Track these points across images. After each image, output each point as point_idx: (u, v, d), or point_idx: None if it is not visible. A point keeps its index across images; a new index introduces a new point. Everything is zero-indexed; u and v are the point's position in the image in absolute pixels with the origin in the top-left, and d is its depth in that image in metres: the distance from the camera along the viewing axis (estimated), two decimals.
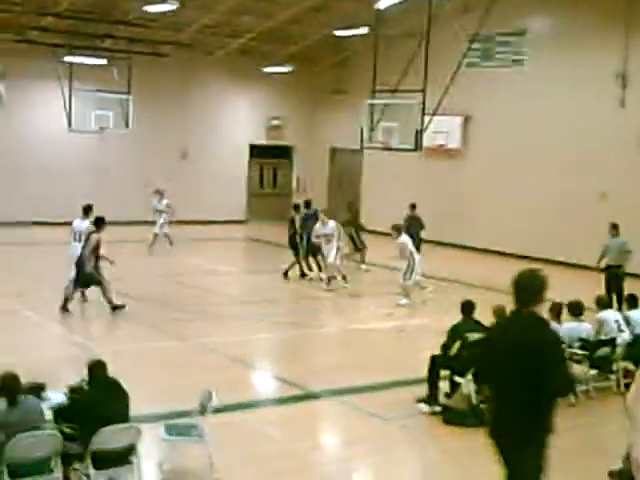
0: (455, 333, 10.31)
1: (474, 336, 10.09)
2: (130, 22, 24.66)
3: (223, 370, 11.72)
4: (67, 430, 6.98)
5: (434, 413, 10.04)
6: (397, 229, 16.46)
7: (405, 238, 16.33)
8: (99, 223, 14.57)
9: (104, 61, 25.38)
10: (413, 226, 19.70)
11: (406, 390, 10.78)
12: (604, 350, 10.99)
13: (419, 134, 16.56)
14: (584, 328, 11.09)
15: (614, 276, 15.96)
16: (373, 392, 10.98)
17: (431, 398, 10.19)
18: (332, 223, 18.02)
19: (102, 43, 25.45)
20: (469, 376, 9.98)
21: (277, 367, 12.61)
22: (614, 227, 16.69)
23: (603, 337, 11.16)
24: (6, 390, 6.83)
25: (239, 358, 12.50)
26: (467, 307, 10.53)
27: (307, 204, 19.65)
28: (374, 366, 12.26)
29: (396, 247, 16.35)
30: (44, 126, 26.11)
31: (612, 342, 11.05)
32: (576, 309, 11.09)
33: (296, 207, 19.62)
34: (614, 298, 15.03)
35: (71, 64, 24.86)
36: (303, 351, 13.68)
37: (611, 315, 11.48)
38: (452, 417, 9.86)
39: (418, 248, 18.02)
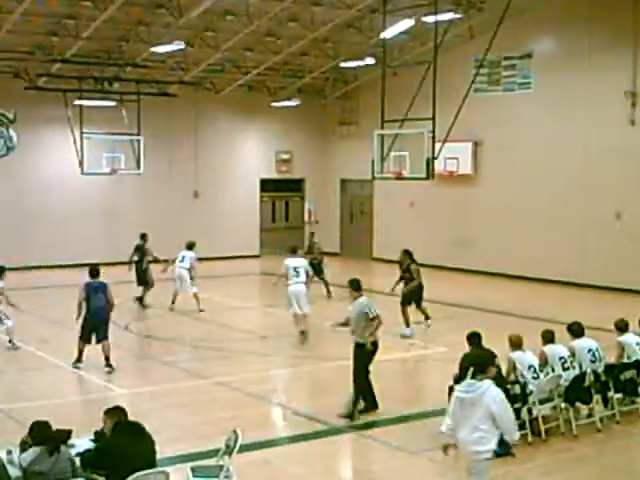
0: (466, 361, 10.21)
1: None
2: (138, 64, 24.91)
3: (245, 407, 11.67)
4: (96, 478, 6.95)
5: None
6: None
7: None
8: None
9: (113, 103, 25.63)
10: None
11: (431, 421, 10.68)
12: (628, 373, 10.87)
13: (430, 162, 16.50)
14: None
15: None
16: (397, 424, 10.89)
17: None
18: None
19: (111, 86, 25.68)
20: None
21: (299, 402, 12.50)
22: (354, 285, 11.33)
23: (626, 360, 11.05)
24: (39, 438, 6.83)
25: (261, 395, 12.46)
26: (474, 338, 10.44)
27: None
28: (397, 397, 12.18)
29: None
30: (56, 170, 26.29)
31: (636, 365, 10.93)
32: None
33: (143, 236, 19.97)
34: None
35: (81, 108, 25.16)
36: (325, 385, 13.60)
37: (632, 338, 11.36)
38: None
39: None
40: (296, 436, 10.72)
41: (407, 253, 17.18)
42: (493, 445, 7.33)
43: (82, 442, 7.60)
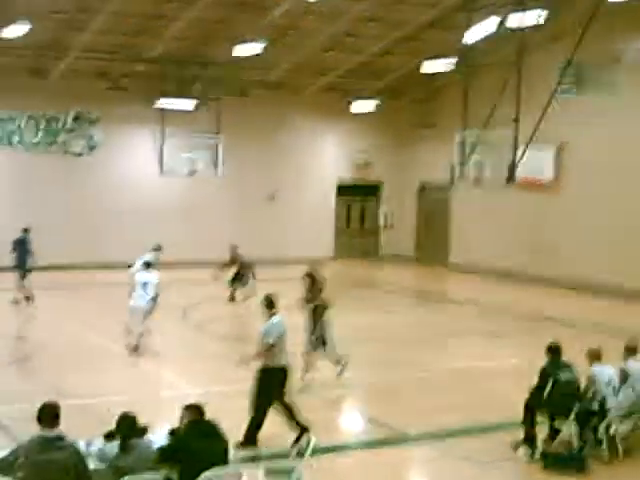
0: (546, 374, 9.90)
1: (565, 376, 9.79)
2: (219, 64, 25.11)
3: (318, 411, 11.54)
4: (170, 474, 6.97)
5: (533, 458, 9.65)
6: None
7: None
8: None
9: (194, 104, 25.87)
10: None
11: (504, 433, 10.41)
12: None
13: (513, 167, 16.15)
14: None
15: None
16: (470, 435, 10.67)
17: (529, 442, 9.80)
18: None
19: (192, 86, 25.98)
20: (570, 419, 9.56)
21: (371, 409, 12.36)
22: (266, 302, 10.68)
23: None
24: (122, 432, 6.94)
25: (334, 399, 12.38)
26: (553, 350, 10.09)
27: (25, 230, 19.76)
28: (469, 408, 11.92)
29: None
30: (136, 170, 26.70)
31: None
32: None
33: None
34: None
35: (162, 109, 25.49)
36: (399, 392, 13.39)
37: None
38: (552, 462, 9.48)
39: None
40: (364, 442, 10.60)
41: (309, 272, 14.20)
42: None
43: (158, 438, 7.63)
